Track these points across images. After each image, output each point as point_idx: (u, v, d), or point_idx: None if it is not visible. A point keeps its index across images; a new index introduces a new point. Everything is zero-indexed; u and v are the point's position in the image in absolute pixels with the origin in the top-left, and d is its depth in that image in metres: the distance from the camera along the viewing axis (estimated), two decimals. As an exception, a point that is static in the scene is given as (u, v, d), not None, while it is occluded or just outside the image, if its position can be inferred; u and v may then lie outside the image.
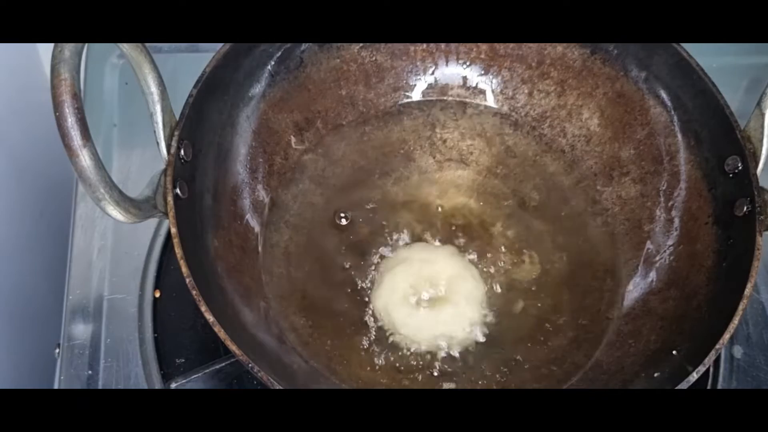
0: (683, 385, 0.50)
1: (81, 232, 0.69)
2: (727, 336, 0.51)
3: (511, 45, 0.69)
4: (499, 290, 0.64)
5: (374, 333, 0.62)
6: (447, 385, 0.59)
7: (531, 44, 0.69)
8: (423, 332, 0.61)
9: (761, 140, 0.56)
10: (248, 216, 0.64)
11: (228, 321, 0.52)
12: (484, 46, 0.70)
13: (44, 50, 0.88)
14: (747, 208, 0.56)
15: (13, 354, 0.82)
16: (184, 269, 0.50)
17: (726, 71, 0.64)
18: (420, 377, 0.60)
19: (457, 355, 0.61)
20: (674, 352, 0.56)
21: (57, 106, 0.42)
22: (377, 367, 0.60)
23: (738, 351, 0.67)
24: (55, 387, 0.65)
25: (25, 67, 0.86)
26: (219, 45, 0.58)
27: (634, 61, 0.65)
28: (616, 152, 0.67)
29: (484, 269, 0.65)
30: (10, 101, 0.82)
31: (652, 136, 0.65)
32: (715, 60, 0.63)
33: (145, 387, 0.62)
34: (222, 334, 0.49)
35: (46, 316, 0.80)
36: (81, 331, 0.64)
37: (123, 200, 0.47)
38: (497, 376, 0.60)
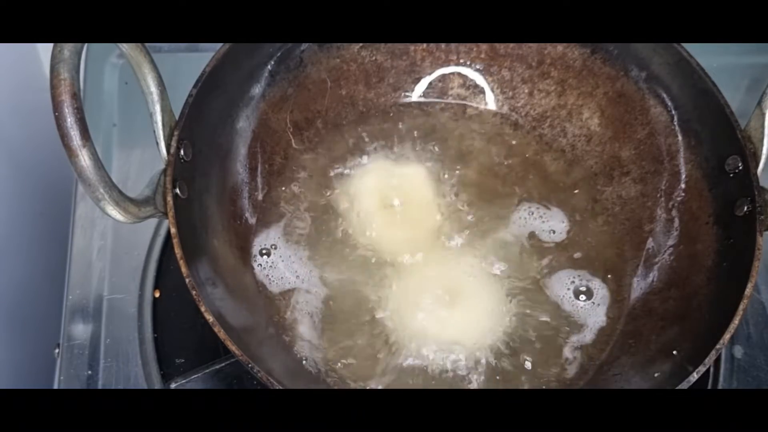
0: (683, 385, 0.50)
1: (81, 232, 0.69)
2: (727, 336, 0.51)
3: (511, 45, 0.69)
4: (501, 290, 0.64)
5: (382, 336, 0.61)
6: (452, 386, 0.59)
7: (531, 44, 0.69)
8: (435, 337, 0.61)
9: (762, 140, 0.56)
10: (248, 215, 0.64)
11: (228, 321, 0.51)
12: (484, 46, 0.70)
13: (44, 50, 0.88)
14: (747, 207, 0.56)
15: (12, 354, 0.82)
16: (184, 269, 0.50)
17: (726, 71, 0.64)
18: (425, 379, 0.60)
19: (468, 358, 0.60)
20: (674, 352, 0.56)
21: (56, 106, 0.42)
22: (382, 369, 0.60)
23: (738, 351, 0.66)
24: (55, 387, 0.64)
25: (25, 67, 0.86)
26: (219, 45, 0.58)
27: (634, 60, 0.65)
28: (617, 152, 0.67)
29: (487, 270, 0.64)
30: (10, 101, 0.82)
31: (653, 135, 0.65)
32: (716, 60, 0.63)
33: (145, 387, 0.62)
34: (222, 334, 0.49)
35: (45, 316, 0.79)
36: (81, 331, 0.64)
37: (122, 200, 0.47)
38: (499, 375, 0.60)
